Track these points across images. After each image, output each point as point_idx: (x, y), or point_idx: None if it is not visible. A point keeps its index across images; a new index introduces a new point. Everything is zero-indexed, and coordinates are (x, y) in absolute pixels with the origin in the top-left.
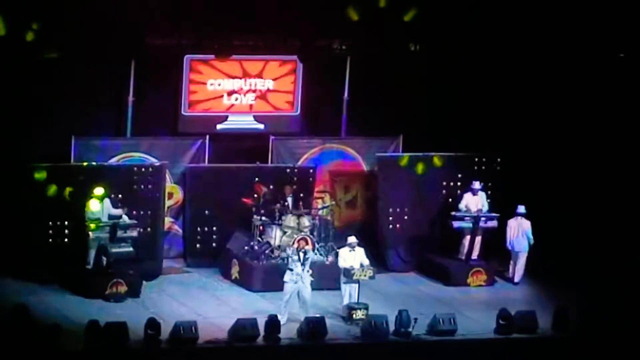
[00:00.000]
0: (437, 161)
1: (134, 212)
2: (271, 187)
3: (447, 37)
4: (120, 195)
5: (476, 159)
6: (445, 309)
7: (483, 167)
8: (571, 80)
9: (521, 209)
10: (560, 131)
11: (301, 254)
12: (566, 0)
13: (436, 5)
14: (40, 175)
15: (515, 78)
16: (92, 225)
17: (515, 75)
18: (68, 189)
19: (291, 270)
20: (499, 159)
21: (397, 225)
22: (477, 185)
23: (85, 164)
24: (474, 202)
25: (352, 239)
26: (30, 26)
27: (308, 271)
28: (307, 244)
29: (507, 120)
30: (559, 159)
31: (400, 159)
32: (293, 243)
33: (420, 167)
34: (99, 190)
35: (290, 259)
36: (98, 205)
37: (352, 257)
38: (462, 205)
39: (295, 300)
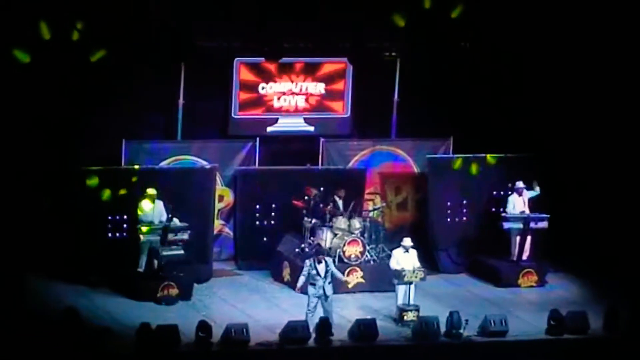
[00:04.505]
0: (490, 160)
1: (185, 215)
2: (321, 189)
3: (495, 37)
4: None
5: (526, 160)
6: (496, 310)
7: (532, 167)
8: (622, 80)
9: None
10: (613, 131)
11: (320, 267)
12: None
13: (483, 5)
14: (92, 181)
15: (565, 78)
16: (144, 229)
17: (565, 75)
18: (121, 191)
19: (313, 285)
20: (548, 159)
21: (448, 227)
22: (520, 184)
23: (136, 167)
24: (520, 203)
25: (407, 241)
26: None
27: (330, 282)
28: (322, 256)
29: (557, 120)
30: (610, 158)
31: (454, 162)
32: (319, 255)
33: (473, 168)
34: (151, 191)
35: (309, 273)
36: (150, 205)
37: (405, 258)
38: (509, 208)
39: (320, 309)
